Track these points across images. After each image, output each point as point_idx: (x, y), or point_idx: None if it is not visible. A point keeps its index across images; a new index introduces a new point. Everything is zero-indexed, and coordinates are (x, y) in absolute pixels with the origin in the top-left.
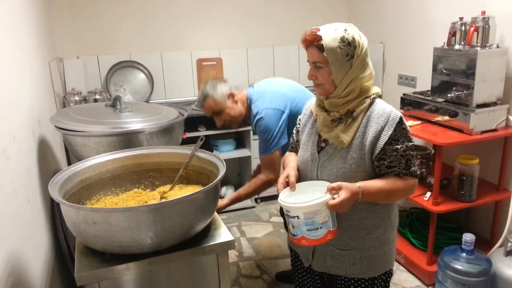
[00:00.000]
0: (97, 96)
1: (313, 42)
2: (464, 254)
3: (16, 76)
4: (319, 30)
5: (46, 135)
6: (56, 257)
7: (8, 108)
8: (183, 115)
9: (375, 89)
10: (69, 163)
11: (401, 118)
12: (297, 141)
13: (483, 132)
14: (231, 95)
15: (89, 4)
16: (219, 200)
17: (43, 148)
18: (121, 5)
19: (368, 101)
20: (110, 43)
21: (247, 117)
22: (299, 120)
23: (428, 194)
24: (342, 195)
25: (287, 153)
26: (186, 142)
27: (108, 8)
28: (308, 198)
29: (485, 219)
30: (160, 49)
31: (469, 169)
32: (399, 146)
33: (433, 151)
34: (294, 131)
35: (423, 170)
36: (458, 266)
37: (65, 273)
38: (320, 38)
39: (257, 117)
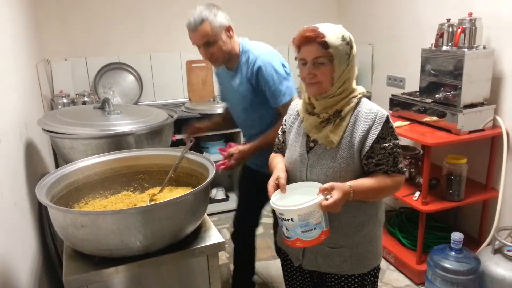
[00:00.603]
0: (86, 99)
1: (315, 39)
2: (453, 252)
3: (2, 78)
4: (318, 28)
5: (34, 138)
6: (44, 261)
7: None
8: (172, 117)
9: (361, 89)
10: (57, 166)
11: (387, 117)
12: (283, 141)
13: (470, 132)
14: (229, 28)
15: (77, 5)
16: (241, 145)
17: (31, 151)
18: (109, 6)
19: (355, 100)
20: (99, 44)
21: (232, 58)
22: (285, 121)
23: (417, 194)
24: (335, 195)
25: (273, 155)
26: (175, 144)
27: (96, 10)
28: (300, 200)
29: (473, 218)
30: (149, 50)
31: (457, 168)
32: (386, 144)
33: (421, 151)
34: (280, 132)
35: (412, 170)
36: (447, 264)
37: (53, 277)
38: (323, 34)
39: (260, 64)
